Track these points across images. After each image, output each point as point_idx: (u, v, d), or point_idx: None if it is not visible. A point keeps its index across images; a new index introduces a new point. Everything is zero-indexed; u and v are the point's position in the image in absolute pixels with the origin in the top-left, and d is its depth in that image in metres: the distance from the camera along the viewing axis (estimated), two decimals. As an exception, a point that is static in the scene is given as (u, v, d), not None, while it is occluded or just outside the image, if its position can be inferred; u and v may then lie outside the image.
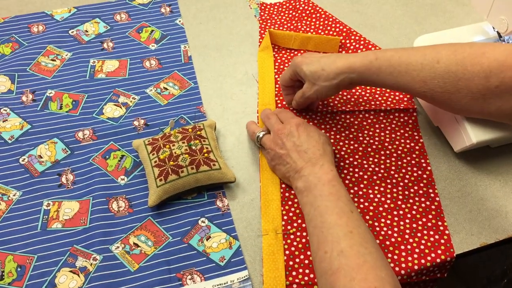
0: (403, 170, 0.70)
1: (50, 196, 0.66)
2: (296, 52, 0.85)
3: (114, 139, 0.73)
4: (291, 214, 0.65)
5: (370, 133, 0.74)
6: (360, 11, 0.94)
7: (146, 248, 0.62)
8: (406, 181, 0.69)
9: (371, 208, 0.66)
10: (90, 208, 0.65)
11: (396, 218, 0.65)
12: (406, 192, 0.68)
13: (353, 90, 0.78)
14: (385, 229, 0.64)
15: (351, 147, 0.72)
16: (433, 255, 0.62)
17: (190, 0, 0.95)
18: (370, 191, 0.68)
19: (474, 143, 0.66)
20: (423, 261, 0.61)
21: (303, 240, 0.62)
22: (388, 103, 0.77)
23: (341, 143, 0.73)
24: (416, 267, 0.61)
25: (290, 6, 0.93)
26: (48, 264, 0.60)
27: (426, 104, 0.76)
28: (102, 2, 0.93)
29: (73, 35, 0.87)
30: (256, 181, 0.69)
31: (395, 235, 0.64)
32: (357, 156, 0.71)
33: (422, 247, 0.62)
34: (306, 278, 0.60)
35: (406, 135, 0.74)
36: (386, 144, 0.73)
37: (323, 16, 0.89)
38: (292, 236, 0.63)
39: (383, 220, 0.65)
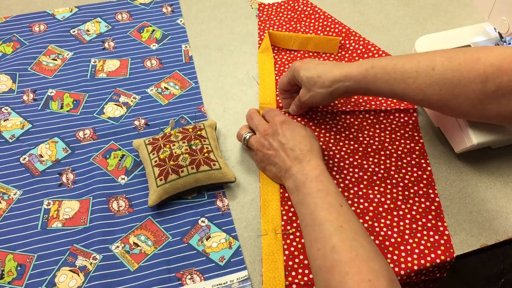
0: (403, 171, 0.70)
1: (51, 195, 0.67)
2: (296, 53, 0.85)
3: (115, 138, 0.73)
4: (290, 214, 0.65)
5: (370, 133, 0.74)
6: (361, 12, 0.94)
7: (146, 248, 0.62)
8: (406, 181, 0.68)
9: (371, 208, 0.66)
10: (90, 208, 0.65)
11: (396, 219, 0.65)
12: (406, 193, 0.67)
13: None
14: (385, 229, 0.64)
15: (351, 147, 0.72)
16: (432, 255, 0.62)
17: (191, 0, 0.95)
18: (370, 191, 0.67)
19: (474, 144, 0.66)
20: (422, 261, 0.61)
21: (303, 240, 0.62)
22: (389, 102, 0.77)
23: (341, 143, 0.72)
24: (415, 267, 0.61)
25: (289, 7, 0.93)
26: (48, 263, 0.61)
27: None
28: (103, 2, 0.93)
29: (74, 35, 0.87)
30: (256, 181, 0.69)
31: (395, 235, 0.63)
32: (357, 157, 0.71)
33: (422, 247, 0.62)
34: (305, 278, 0.60)
35: (406, 135, 0.73)
36: (386, 144, 0.73)
37: (322, 16, 0.89)
38: (291, 236, 0.63)
39: (382, 220, 0.65)
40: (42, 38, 0.86)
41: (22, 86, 0.79)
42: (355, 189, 0.68)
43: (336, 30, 0.87)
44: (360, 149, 0.72)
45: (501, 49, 0.57)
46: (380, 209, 0.66)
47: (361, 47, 0.84)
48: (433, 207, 0.66)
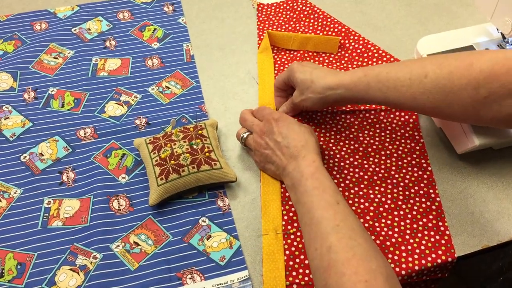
0: (404, 171, 0.69)
1: (51, 194, 0.66)
2: (295, 53, 0.85)
3: (116, 137, 0.73)
4: (291, 214, 0.65)
5: (371, 133, 0.73)
6: (363, 11, 0.94)
7: (146, 247, 0.62)
8: (406, 181, 0.68)
9: (372, 208, 0.66)
10: (91, 207, 0.65)
11: (396, 218, 0.65)
12: (407, 193, 0.67)
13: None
14: (385, 229, 0.64)
15: (351, 147, 0.72)
16: (433, 255, 0.61)
17: (193, -1, 0.95)
18: (371, 191, 0.67)
19: (476, 145, 0.66)
20: (423, 261, 0.61)
21: (303, 240, 0.62)
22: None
23: (341, 143, 0.72)
24: (416, 267, 0.60)
25: (288, 7, 0.92)
26: (48, 262, 0.60)
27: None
28: (105, 1, 0.93)
29: (75, 33, 0.87)
30: (257, 181, 0.69)
31: (396, 235, 0.63)
32: (357, 156, 0.71)
33: (422, 247, 0.62)
34: (306, 279, 0.59)
35: (407, 135, 0.73)
36: (387, 144, 0.72)
37: (321, 16, 0.89)
38: (292, 236, 0.63)
39: (383, 220, 0.65)
40: (43, 36, 0.86)
41: (23, 85, 0.79)
42: (356, 189, 0.67)
43: (336, 30, 0.86)
44: (361, 149, 0.72)
45: (492, 53, 0.56)
46: (381, 209, 0.66)
47: (360, 46, 0.84)
48: (433, 207, 0.66)
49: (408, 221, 0.65)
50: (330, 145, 0.72)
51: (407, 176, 0.69)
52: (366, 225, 0.64)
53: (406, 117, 0.76)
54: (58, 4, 0.92)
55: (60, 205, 0.65)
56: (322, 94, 0.66)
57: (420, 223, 0.65)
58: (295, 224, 0.64)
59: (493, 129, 0.66)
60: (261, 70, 0.82)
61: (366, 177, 0.69)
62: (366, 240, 0.52)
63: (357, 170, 0.69)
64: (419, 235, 0.63)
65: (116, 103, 0.77)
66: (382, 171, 0.69)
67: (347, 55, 0.84)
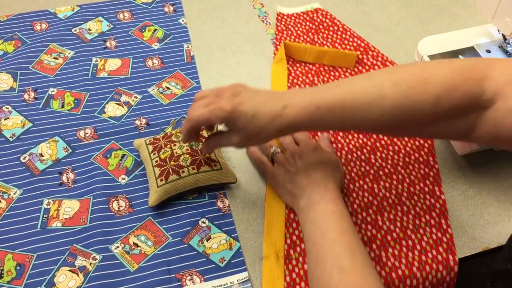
0: (415, 197, 0.68)
1: (51, 195, 0.66)
2: (311, 66, 0.83)
3: (116, 138, 0.72)
4: (294, 237, 0.63)
5: (383, 155, 0.71)
6: (364, 12, 0.94)
7: (146, 248, 0.62)
8: (417, 209, 0.67)
9: (375, 202, 0.66)
10: (90, 207, 0.65)
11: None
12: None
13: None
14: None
15: (362, 169, 0.70)
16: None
17: (194, -1, 0.95)
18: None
19: (477, 147, 0.66)
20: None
21: (306, 267, 0.60)
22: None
23: (351, 164, 0.70)
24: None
25: (308, 18, 0.91)
26: (48, 263, 0.60)
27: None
28: (105, 1, 0.93)
29: (76, 34, 0.87)
30: (257, 182, 0.69)
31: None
32: (367, 179, 0.69)
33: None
34: None
35: (421, 159, 0.71)
36: (399, 168, 0.70)
37: (341, 29, 0.87)
38: (294, 262, 0.61)
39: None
40: (44, 36, 0.86)
41: (23, 85, 0.79)
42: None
43: (355, 44, 0.85)
44: (372, 172, 0.70)
45: (445, 64, 0.55)
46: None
47: (378, 63, 0.82)
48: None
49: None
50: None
51: (419, 204, 0.67)
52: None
53: (421, 141, 0.73)
54: (58, 4, 0.92)
55: (59, 206, 0.65)
56: (274, 137, 0.58)
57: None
58: (298, 249, 0.62)
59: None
60: (274, 81, 0.80)
61: (375, 202, 0.67)
62: (377, 275, 0.52)
63: (366, 194, 0.68)
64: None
65: (116, 104, 0.77)
66: (393, 197, 0.68)
67: (364, 71, 0.82)
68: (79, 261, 0.60)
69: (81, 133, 0.73)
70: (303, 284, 0.59)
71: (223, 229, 0.64)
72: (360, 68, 0.82)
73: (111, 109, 0.76)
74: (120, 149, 0.71)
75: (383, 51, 0.85)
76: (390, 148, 0.72)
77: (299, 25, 0.90)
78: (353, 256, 0.52)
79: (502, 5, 0.70)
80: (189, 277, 0.60)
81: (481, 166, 0.72)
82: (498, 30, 0.75)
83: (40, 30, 0.87)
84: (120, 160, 0.70)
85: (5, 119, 0.74)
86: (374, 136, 0.73)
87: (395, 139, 0.72)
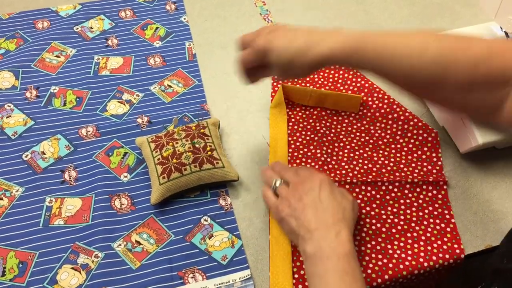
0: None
1: (53, 193, 0.66)
2: (312, 110, 0.76)
3: (118, 136, 0.72)
4: (303, 271, 0.60)
5: (395, 209, 0.66)
6: (366, 11, 0.93)
7: (148, 246, 0.62)
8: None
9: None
10: (93, 205, 0.65)
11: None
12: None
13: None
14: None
15: (373, 227, 0.64)
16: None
17: (195, -3, 0.95)
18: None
19: (480, 144, 0.66)
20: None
21: None
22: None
23: (361, 222, 0.64)
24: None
25: None
26: (50, 261, 0.60)
27: (432, 104, 0.75)
28: (107, -1, 0.93)
29: (77, 32, 0.87)
30: (259, 181, 0.69)
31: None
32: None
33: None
34: None
35: (436, 213, 0.65)
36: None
37: (343, 68, 0.80)
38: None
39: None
40: (46, 35, 0.86)
41: (25, 83, 0.79)
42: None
43: (358, 85, 0.78)
44: (384, 229, 0.64)
45: (489, 39, 0.57)
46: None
47: (385, 106, 0.75)
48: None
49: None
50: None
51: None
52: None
53: (435, 192, 0.68)
54: (60, 3, 0.92)
55: (61, 204, 0.65)
56: (310, 69, 0.58)
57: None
58: (306, 284, 0.59)
59: (497, 128, 0.66)
60: (273, 128, 0.74)
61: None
62: None
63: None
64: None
65: (118, 102, 0.77)
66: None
67: (369, 114, 0.75)
68: (81, 259, 0.60)
69: (83, 131, 0.73)
70: None
71: (225, 227, 0.64)
72: (364, 111, 0.75)
73: (113, 107, 0.76)
74: (122, 147, 0.71)
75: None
76: (393, 146, 0.72)
77: None
78: None
79: (505, 3, 0.70)
80: (191, 275, 0.60)
81: (483, 164, 0.72)
82: (501, 28, 0.75)
83: (42, 28, 0.87)
84: (122, 158, 0.70)
85: (7, 117, 0.74)
86: (376, 134, 0.73)
87: (397, 137, 0.72)
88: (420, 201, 0.66)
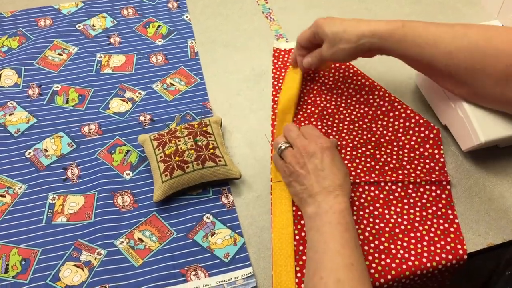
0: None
1: (55, 190, 0.66)
2: (313, 109, 0.76)
3: (120, 134, 0.72)
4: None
5: (398, 209, 0.66)
6: (368, 9, 0.93)
7: (150, 244, 0.62)
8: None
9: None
10: (95, 203, 0.65)
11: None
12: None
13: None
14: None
15: (377, 226, 0.64)
16: (442, 242, 0.62)
17: (198, -5, 0.95)
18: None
19: (482, 143, 0.66)
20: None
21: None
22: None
23: (365, 221, 0.64)
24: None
25: None
26: (53, 258, 0.60)
27: (434, 102, 0.75)
28: (109, -3, 0.93)
29: (80, 30, 0.87)
30: (261, 178, 0.69)
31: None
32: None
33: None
34: None
35: (439, 213, 0.65)
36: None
37: (343, 66, 0.80)
38: None
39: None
40: (48, 32, 0.86)
41: (28, 81, 0.79)
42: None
43: (359, 83, 0.77)
44: (387, 229, 0.64)
45: None
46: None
47: (386, 103, 0.75)
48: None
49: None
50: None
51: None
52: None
53: (438, 191, 0.68)
54: (62, 0, 0.92)
55: (64, 201, 0.65)
56: (356, 44, 0.64)
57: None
58: None
59: (499, 126, 0.66)
60: (287, 82, 0.77)
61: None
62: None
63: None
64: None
65: (121, 100, 0.77)
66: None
67: (371, 112, 0.75)
68: (84, 256, 0.60)
69: (86, 128, 0.73)
70: None
71: (228, 224, 0.64)
72: (366, 109, 0.75)
73: (115, 105, 0.76)
74: (125, 144, 0.71)
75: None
76: (395, 143, 0.71)
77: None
78: (351, 270, 0.52)
79: (508, 1, 0.70)
80: (193, 272, 0.60)
81: (486, 162, 0.72)
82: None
83: (44, 26, 0.87)
84: (125, 155, 0.70)
85: (9, 115, 0.74)
86: (378, 132, 0.73)
87: (399, 134, 0.72)
88: (424, 201, 0.66)
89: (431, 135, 0.71)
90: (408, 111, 0.73)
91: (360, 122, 0.74)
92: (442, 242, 0.62)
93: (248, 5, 0.94)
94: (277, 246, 0.62)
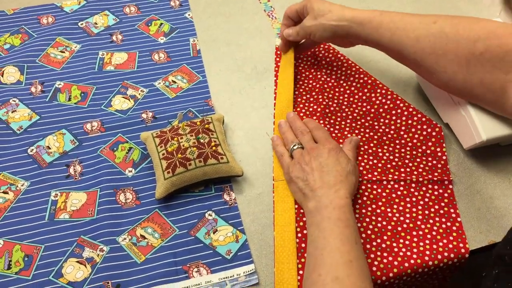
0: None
1: (58, 187, 0.67)
2: (316, 107, 0.76)
3: (122, 131, 0.73)
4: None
5: (400, 208, 0.66)
6: (369, 8, 0.93)
7: (153, 240, 0.62)
8: (426, 199, 0.66)
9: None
10: (98, 200, 0.65)
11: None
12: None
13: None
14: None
15: (379, 224, 0.64)
16: (445, 241, 0.62)
17: (200, -6, 0.95)
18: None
19: (484, 141, 0.66)
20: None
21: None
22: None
23: (367, 219, 0.64)
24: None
25: (309, 53, 0.84)
26: (55, 254, 0.61)
27: (436, 100, 0.75)
28: (111, -5, 0.93)
29: (82, 27, 0.87)
30: (263, 176, 0.69)
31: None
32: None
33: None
34: None
35: (441, 211, 0.66)
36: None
37: (345, 65, 0.80)
38: None
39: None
40: (50, 30, 0.86)
41: (30, 78, 0.79)
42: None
43: (361, 81, 0.77)
44: (389, 227, 0.65)
45: (504, 22, 0.60)
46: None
47: (388, 101, 0.75)
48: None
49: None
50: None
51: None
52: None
53: (440, 191, 0.68)
54: (64, -2, 0.92)
55: (67, 198, 0.65)
56: (336, 23, 0.69)
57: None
58: None
59: (501, 124, 0.66)
60: (282, 73, 0.79)
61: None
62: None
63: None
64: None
65: (123, 97, 0.77)
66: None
67: (373, 110, 0.75)
68: (87, 253, 0.61)
69: (88, 126, 0.73)
70: None
71: (230, 221, 0.64)
72: (368, 107, 0.75)
73: (117, 103, 0.76)
74: (127, 142, 0.71)
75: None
76: (397, 141, 0.72)
77: (300, 60, 0.83)
78: (350, 267, 0.52)
79: (509, -1, 0.70)
80: (195, 269, 0.60)
81: (487, 160, 0.72)
82: (505, 25, 0.75)
83: (47, 24, 0.88)
84: (127, 153, 0.70)
85: (12, 112, 0.74)
86: (381, 130, 0.73)
87: (401, 132, 0.72)
88: (426, 200, 0.66)
89: (434, 133, 0.71)
90: (411, 109, 0.73)
91: (363, 120, 0.74)
92: (445, 241, 0.62)
93: (250, 4, 0.94)
94: (279, 244, 0.62)
